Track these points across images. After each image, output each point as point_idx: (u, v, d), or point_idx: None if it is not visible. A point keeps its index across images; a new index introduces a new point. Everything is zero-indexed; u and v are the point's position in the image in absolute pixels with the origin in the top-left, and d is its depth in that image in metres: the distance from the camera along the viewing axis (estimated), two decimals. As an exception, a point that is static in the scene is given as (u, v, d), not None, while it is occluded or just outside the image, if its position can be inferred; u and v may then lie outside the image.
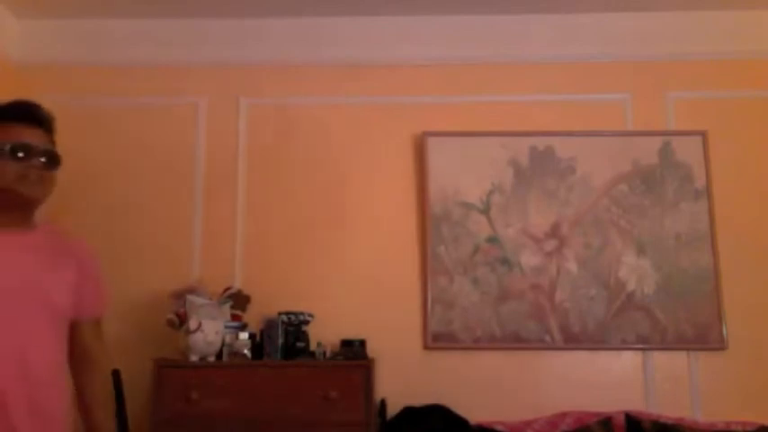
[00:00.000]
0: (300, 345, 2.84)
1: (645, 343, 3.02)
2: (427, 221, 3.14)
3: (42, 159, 1.68)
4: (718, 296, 3.04)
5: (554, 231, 3.13)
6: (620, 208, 3.14)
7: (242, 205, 3.22)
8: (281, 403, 2.66)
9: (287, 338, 2.84)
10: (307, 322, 2.91)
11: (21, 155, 1.62)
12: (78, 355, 1.75)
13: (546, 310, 3.06)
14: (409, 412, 2.87)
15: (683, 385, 3.02)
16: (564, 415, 2.88)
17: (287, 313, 2.90)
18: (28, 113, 1.70)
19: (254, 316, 2.97)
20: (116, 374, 2.77)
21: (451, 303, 3.07)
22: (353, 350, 2.83)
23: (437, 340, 3.05)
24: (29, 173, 1.63)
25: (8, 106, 1.68)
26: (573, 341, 3.03)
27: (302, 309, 2.96)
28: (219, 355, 2.79)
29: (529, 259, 3.11)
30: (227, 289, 2.98)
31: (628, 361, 3.05)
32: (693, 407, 2.98)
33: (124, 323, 3.10)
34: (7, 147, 1.61)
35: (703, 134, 3.19)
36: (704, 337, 3.02)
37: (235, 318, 2.91)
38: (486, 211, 3.15)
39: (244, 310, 2.97)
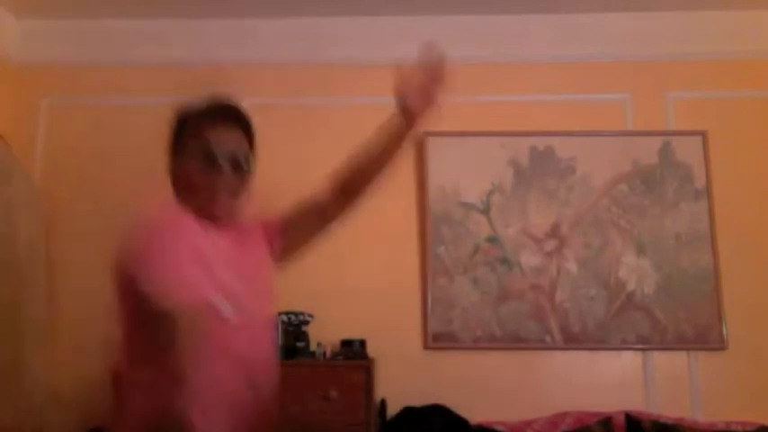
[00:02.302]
0: (300, 345, 2.84)
1: (645, 343, 3.02)
2: (427, 221, 3.14)
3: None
4: (718, 296, 3.04)
5: (554, 231, 3.13)
6: (620, 208, 3.14)
7: (242, 205, 3.22)
8: (281, 403, 2.65)
9: (287, 338, 2.84)
10: (307, 322, 2.91)
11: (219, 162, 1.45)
12: None
13: (546, 310, 3.06)
14: (409, 412, 2.87)
15: (683, 385, 3.02)
16: (564, 415, 2.88)
17: (287, 313, 2.90)
18: (228, 113, 1.55)
19: (254, 316, 2.97)
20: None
21: (451, 303, 3.07)
22: (353, 350, 2.83)
23: (437, 340, 3.05)
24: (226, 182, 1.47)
25: (210, 106, 1.56)
26: (573, 341, 3.03)
27: (302, 309, 2.96)
28: (219, 355, 2.79)
29: (529, 259, 3.11)
30: (227, 289, 2.98)
31: (628, 361, 3.05)
32: (693, 407, 2.98)
33: (124, 323, 3.10)
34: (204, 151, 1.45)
35: (703, 134, 3.19)
36: (704, 337, 3.02)
37: (235, 318, 2.90)
38: (486, 211, 3.15)
39: (244, 310, 2.97)
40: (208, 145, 1.46)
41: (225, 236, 1.49)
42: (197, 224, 1.45)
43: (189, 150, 1.48)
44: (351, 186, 1.73)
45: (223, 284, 1.40)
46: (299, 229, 1.71)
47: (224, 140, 1.48)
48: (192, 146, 1.48)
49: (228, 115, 1.55)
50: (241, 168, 1.50)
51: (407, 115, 1.63)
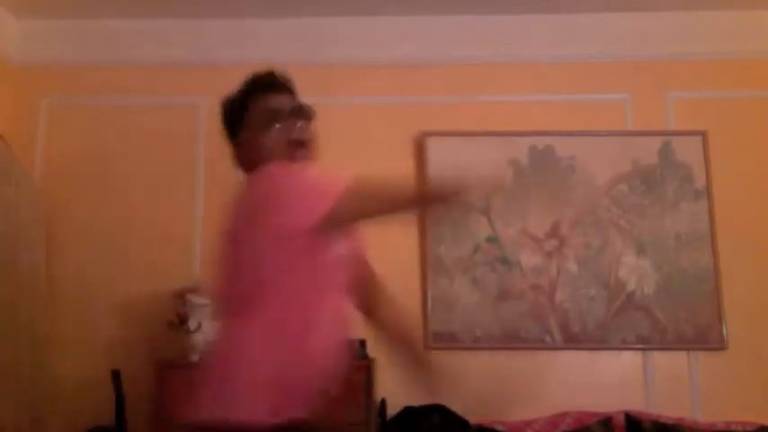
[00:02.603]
0: (300, 345, 2.83)
1: (645, 343, 3.02)
2: (427, 221, 3.14)
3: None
4: (718, 296, 3.04)
5: (554, 231, 3.13)
6: (620, 208, 3.14)
7: (242, 205, 3.22)
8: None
9: (287, 338, 2.84)
10: (307, 322, 2.91)
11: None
12: None
13: (546, 310, 3.06)
14: (409, 412, 2.87)
15: (683, 385, 3.02)
16: (564, 415, 2.88)
17: (287, 313, 2.90)
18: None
19: (254, 316, 2.97)
20: (116, 374, 2.78)
21: (451, 303, 3.07)
22: (353, 350, 2.83)
23: (437, 340, 3.05)
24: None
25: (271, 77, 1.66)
26: (573, 341, 3.03)
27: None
28: (219, 355, 2.79)
29: (529, 259, 3.11)
30: (227, 289, 2.98)
31: (628, 361, 3.05)
32: (693, 407, 2.98)
33: (124, 323, 3.11)
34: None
35: (703, 134, 3.19)
36: (704, 337, 3.02)
37: (235, 318, 2.90)
38: (486, 210, 3.15)
39: (244, 310, 2.96)
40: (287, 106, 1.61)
41: None
42: None
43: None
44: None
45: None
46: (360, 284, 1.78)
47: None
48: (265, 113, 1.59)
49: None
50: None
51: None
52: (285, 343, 1.41)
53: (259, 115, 1.57)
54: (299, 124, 1.61)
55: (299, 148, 1.59)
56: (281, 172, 1.47)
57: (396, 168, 3.24)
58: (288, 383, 1.40)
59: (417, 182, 1.46)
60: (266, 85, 1.62)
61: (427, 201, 1.57)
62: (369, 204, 1.43)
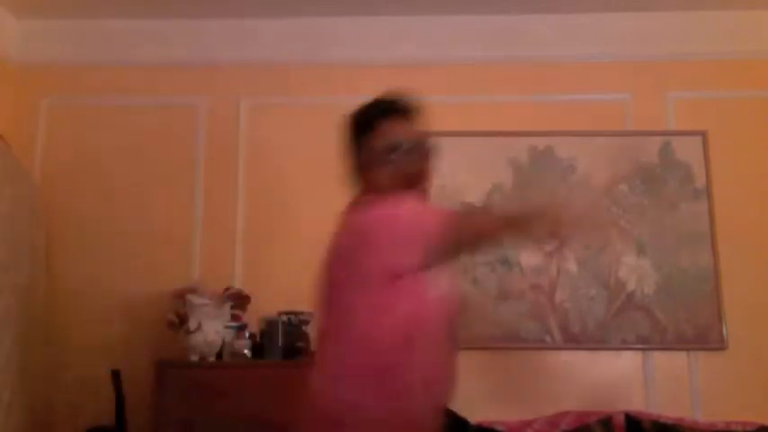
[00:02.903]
0: (300, 345, 2.84)
1: (645, 343, 3.02)
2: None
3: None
4: (718, 296, 3.04)
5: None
6: (620, 208, 3.14)
7: (242, 205, 3.22)
8: (281, 403, 2.65)
9: (287, 338, 2.84)
10: (307, 322, 2.91)
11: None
12: None
13: (546, 310, 3.06)
14: (409, 412, 2.86)
15: (683, 385, 3.02)
16: (564, 415, 2.87)
17: (287, 313, 2.90)
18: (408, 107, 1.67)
19: (254, 316, 2.97)
20: (116, 374, 2.78)
21: (451, 303, 3.07)
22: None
23: (437, 340, 3.05)
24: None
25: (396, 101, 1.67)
26: (573, 341, 3.03)
27: (302, 309, 2.96)
28: (219, 355, 2.79)
29: (529, 259, 3.11)
30: (227, 289, 2.98)
31: (628, 361, 3.05)
32: (693, 407, 2.98)
33: (124, 323, 3.11)
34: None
35: (703, 134, 3.19)
36: (704, 337, 3.02)
37: (235, 318, 2.90)
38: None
39: (244, 310, 2.97)
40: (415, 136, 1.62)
41: None
42: None
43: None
44: None
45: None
46: None
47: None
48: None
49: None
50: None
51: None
52: (391, 382, 1.41)
53: (380, 142, 1.58)
54: (416, 158, 1.60)
55: (414, 181, 1.59)
56: (389, 212, 1.46)
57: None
58: (396, 423, 1.40)
59: (518, 211, 1.42)
60: (393, 110, 1.63)
61: (527, 231, 1.53)
62: (472, 236, 1.44)
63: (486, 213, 1.43)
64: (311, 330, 2.91)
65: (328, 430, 1.42)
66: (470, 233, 1.43)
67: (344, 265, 1.48)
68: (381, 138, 1.58)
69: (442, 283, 1.49)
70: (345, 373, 1.43)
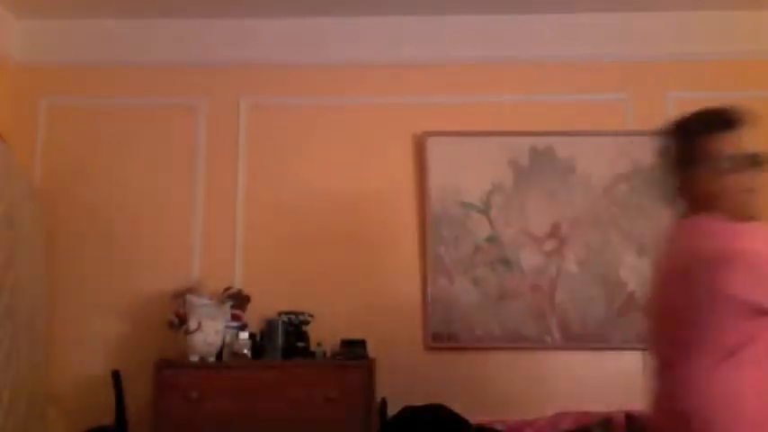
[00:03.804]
0: (300, 345, 2.84)
1: (645, 343, 3.02)
2: (427, 221, 3.14)
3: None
4: (718, 296, 3.03)
5: (554, 231, 3.13)
6: (620, 208, 3.15)
7: (242, 205, 3.22)
8: (281, 403, 2.66)
9: (287, 338, 2.84)
10: (307, 322, 2.91)
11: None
12: None
13: (546, 310, 3.06)
14: (409, 412, 2.87)
15: (683, 385, 3.01)
16: (564, 415, 2.87)
17: (287, 313, 2.90)
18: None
19: (254, 316, 2.97)
20: (116, 374, 2.78)
21: (452, 303, 3.07)
22: (353, 350, 2.83)
23: (437, 340, 3.05)
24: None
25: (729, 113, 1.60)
26: (573, 341, 3.03)
27: (302, 309, 2.96)
28: (219, 355, 2.79)
29: (529, 259, 3.11)
30: (227, 289, 2.98)
31: (628, 361, 3.05)
32: (693, 407, 2.97)
33: (124, 323, 3.11)
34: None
35: (703, 134, 3.18)
36: (704, 337, 3.01)
37: (235, 318, 2.91)
38: (486, 210, 3.15)
39: (244, 310, 2.97)
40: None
41: None
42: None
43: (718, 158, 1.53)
44: None
45: None
46: None
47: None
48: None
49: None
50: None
51: None
52: (744, 416, 1.39)
53: (712, 156, 1.53)
54: (752, 172, 1.53)
55: (749, 198, 1.52)
56: (747, 246, 1.42)
57: (396, 168, 3.24)
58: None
59: None
60: (722, 123, 1.56)
61: None
62: None
63: None
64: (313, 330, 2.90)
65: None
66: None
67: (687, 292, 1.46)
68: (711, 153, 1.53)
69: None
70: (698, 399, 1.43)
